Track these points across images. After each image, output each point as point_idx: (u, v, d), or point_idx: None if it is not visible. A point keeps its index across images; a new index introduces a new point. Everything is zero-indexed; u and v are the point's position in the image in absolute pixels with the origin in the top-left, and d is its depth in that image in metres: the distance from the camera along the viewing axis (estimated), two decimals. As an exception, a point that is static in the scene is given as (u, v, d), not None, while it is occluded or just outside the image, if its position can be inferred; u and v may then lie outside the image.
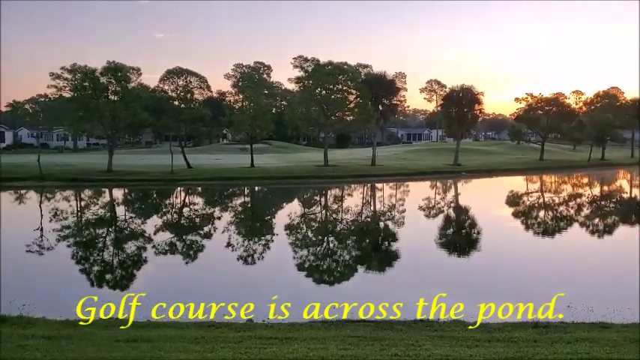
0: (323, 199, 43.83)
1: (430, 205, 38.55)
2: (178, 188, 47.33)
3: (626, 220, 31.96)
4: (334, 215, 34.05)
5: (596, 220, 31.43)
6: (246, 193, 47.92)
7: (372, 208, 37.86)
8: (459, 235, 27.58)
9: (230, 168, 56.28)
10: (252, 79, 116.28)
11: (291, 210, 37.04)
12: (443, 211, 35.72)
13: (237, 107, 63.87)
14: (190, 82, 58.23)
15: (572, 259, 20.95)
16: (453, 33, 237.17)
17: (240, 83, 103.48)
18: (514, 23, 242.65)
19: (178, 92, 57.54)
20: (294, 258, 20.96)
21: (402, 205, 39.53)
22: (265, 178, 52.14)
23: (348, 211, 35.51)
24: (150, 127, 77.86)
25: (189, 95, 57.44)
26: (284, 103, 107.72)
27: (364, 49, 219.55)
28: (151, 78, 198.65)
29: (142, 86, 60.01)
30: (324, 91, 59.11)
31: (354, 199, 43.47)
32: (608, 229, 28.69)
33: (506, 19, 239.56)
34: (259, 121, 58.66)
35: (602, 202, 40.34)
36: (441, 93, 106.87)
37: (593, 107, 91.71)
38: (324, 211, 36.22)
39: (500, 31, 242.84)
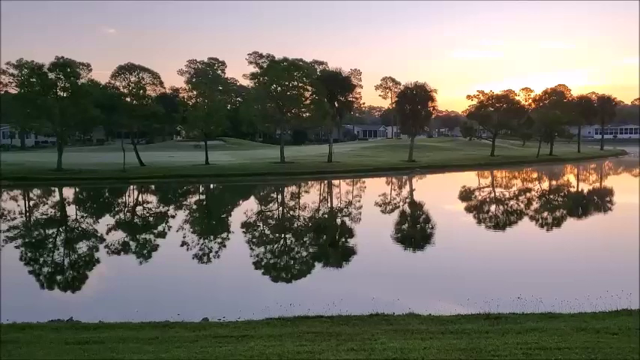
0: (281, 197, 43.74)
1: (387, 201, 38.99)
2: (131, 186, 46.33)
3: (574, 214, 33.14)
4: (292, 212, 34.02)
5: (545, 214, 32.46)
6: (201, 190, 47.32)
7: (331, 204, 37.97)
8: (415, 230, 27.98)
9: (184, 165, 55.48)
10: (206, 75, 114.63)
11: (249, 208, 36.81)
12: (399, 207, 36.15)
13: (190, 104, 62.91)
14: (142, 78, 56.92)
15: (522, 252, 21.56)
16: (408, 31, 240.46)
17: (193, 79, 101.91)
18: (468, 21, 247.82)
19: (130, 88, 56.14)
20: (251, 256, 20.87)
21: (360, 201, 39.79)
22: (220, 176, 51.62)
23: (306, 207, 35.56)
24: (101, 125, 75.93)
25: (141, 91, 56.13)
26: (239, 99, 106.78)
27: (319, 46, 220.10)
28: (102, 74, 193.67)
29: (92, 82, 58.39)
30: (279, 88, 58.90)
31: (312, 196, 43.55)
32: (557, 222, 29.66)
33: (459, 17, 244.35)
34: (214, 118, 57.92)
35: (551, 196, 41.67)
36: (396, 90, 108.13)
37: (541, 104, 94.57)
38: (281, 209, 36.16)
39: (455, 29, 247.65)
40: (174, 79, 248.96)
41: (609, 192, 44.60)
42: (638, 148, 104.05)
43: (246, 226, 28.37)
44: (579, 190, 47.76)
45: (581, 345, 8.54)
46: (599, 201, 39.34)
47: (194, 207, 37.55)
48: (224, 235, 26.66)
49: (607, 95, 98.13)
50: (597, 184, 52.85)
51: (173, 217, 32.20)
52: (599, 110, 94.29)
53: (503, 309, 11.91)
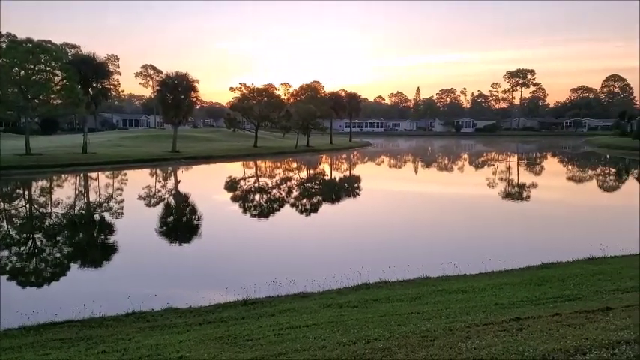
0: (28, 193, 39.21)
1: (150, 194, 37.70)
2: None
3: (327, 199, 36.11)
4: (42, 209, 30.79)
5: (304, 200, 34.76)
6: None
7: (87, 199, 35.28)
8: (179, 222, 27.63)
9: None
10: None
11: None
12: (163, 200, 35.27)
13: None
14: None
15: (278, 237, 22.79)
16: (171, 21, 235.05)
17: None
18: (234, 12, 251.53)
19: None
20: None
21: (120, 195, 37.75)
22: (-52, 171, 44.33)
23: (58, 204, 32.50)
24: None
25: None
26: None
27: (74, 30, 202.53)
28: None
29: None
30: (22, 71, 52.72)
31: (66, 191, 39.86)
32: (313, 208, 31.99)
33: (223, 8, 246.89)
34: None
35: (309, 184, 44.81)
36: (157, 79, 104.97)
37: (298, 98, 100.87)
38: (29, 206, 32.47)
39: (218, 20, 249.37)
40: None
41: (357, 179, 49.77)
42: (381, 140, 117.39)
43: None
44: (333, 178, 52.23)
45: (327, 320, 9.34)
46: (349, 187, 43.52)
47: None
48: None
49: (354, 93, 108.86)
50: (347, 173, 58.41)
51: None
52: (347, 106, 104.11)
53: (260, 294, 12.48)
